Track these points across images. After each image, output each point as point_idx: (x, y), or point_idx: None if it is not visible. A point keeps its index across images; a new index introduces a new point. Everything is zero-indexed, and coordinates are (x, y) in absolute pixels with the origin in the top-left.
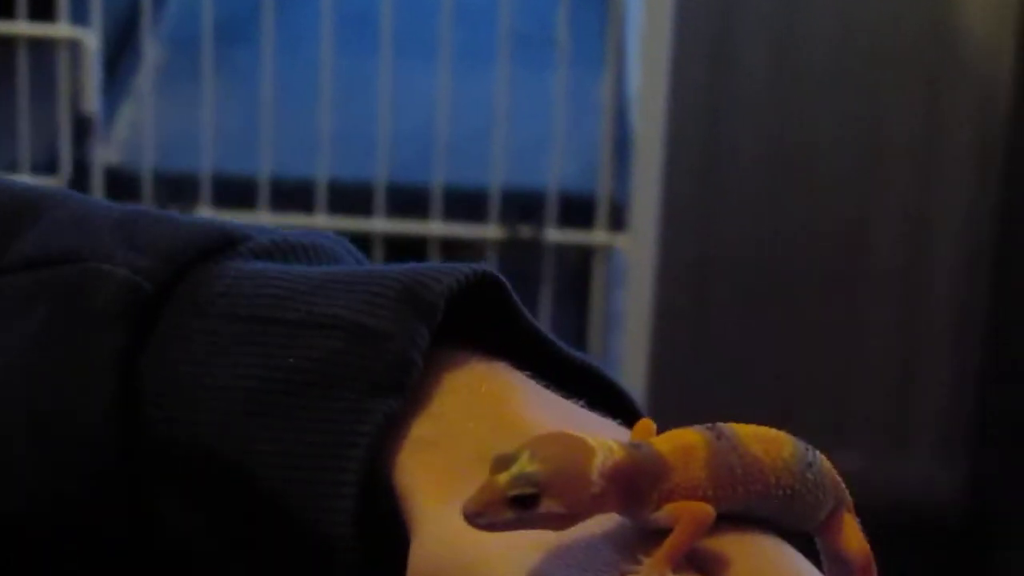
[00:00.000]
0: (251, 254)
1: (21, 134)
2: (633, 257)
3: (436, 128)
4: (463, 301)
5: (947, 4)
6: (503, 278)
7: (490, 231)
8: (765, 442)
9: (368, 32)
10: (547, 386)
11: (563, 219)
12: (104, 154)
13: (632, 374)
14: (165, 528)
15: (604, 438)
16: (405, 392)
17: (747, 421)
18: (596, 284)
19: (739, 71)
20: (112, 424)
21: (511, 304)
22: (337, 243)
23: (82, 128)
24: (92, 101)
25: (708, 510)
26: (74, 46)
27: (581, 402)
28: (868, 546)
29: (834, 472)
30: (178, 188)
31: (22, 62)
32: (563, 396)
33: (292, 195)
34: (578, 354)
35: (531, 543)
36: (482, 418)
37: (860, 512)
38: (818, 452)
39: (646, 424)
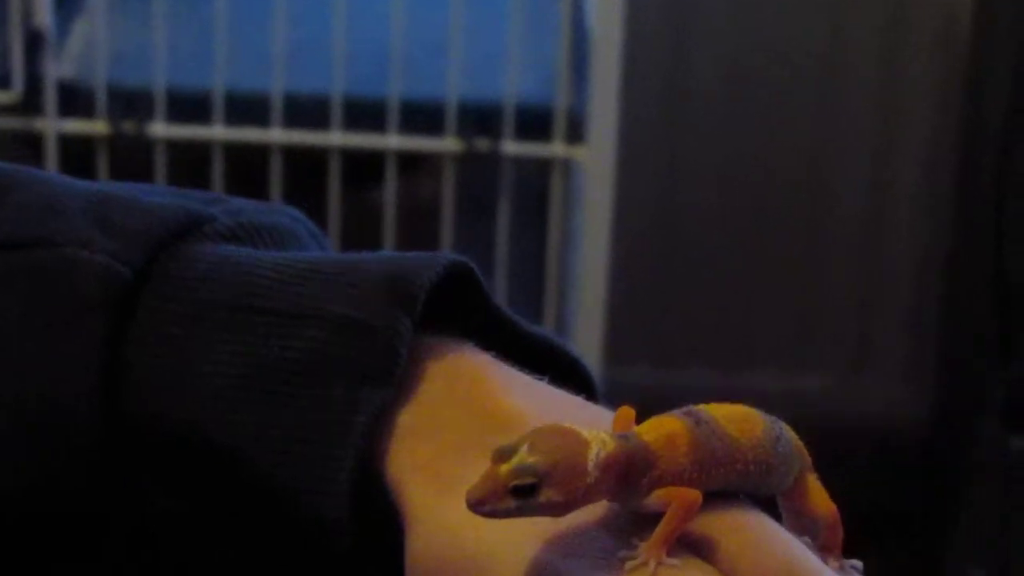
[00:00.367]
0: (218, 236)
1: None
2: (591, 170)
3: (392, 41)
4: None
5: None
6: (473, 265)
7: (447, 144)
8: (739, 422)
9: None
10: (513, 364)
11: (521, 132)
12: (57, 69)
13: (590, 289)
14: (151, 512)
15: (596, 430)
16: (393, 383)
17: (710, 340)
18: (555, 198)
19: None
20: (95, 410)
21: (480, 289)
22: (296, 221)
23: (35, 43)
24: (44, 15)
25: (695, 495)
26: None
27: (545, 378)
28: (834, 504)
29: (797, 439)
30: (132, 103)
31: None
32: (529, 373)
33: (247, 109)
34: (541, 331)
35: (530, 533)
36: (462, 406)
37: (824, 434)
38: (783, 423)
39: (626, 412)
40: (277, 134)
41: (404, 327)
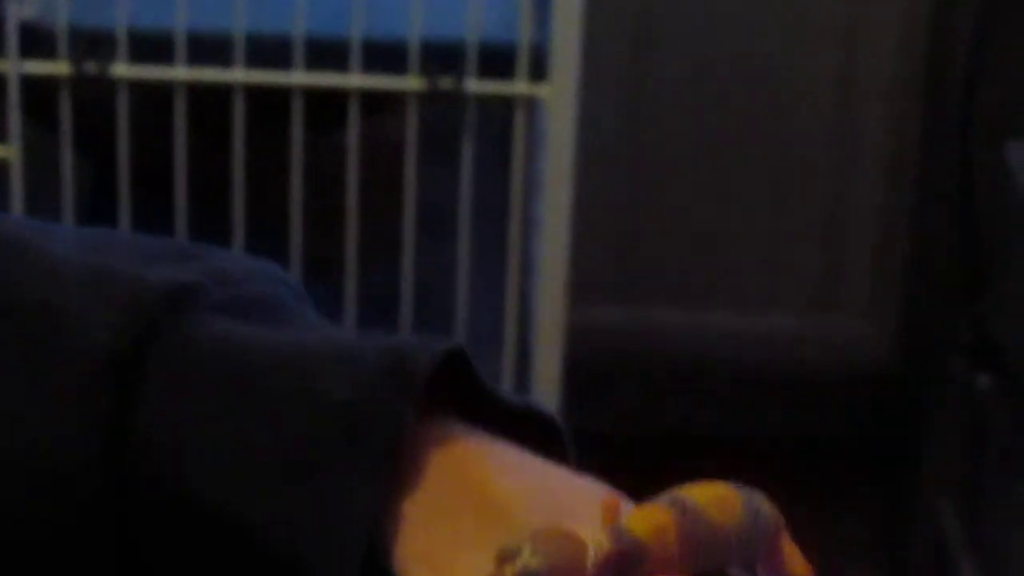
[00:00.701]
0: (214, 310)
1: None
2: (555, 108)
3: None
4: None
5: None
6: (465, 350)
7: (410, 83)
8: (720, 506)
9: None
10: (497, 430)
11: (484, 70)
12: (19, 10)
13: (555, 228)
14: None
15: (590, 529)
16: (397, 472)
17: (676, 280)
18: (518, 137)
19: None
20: (99, 474)
21: (473, 372)
22: (279, 283)
23: None
24: None
25: None
26: None
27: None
28: (808, 564)
29: (771, 507)
30: (94, 43)
31: None
32: (513, 442)
33: (208, 49)
34: (523, 401)
35: None
36: (457, 494)
37: (793, 371)
38: (757, 493)
39: (613, 503)
40: (239, 74)
41: (407, 417)
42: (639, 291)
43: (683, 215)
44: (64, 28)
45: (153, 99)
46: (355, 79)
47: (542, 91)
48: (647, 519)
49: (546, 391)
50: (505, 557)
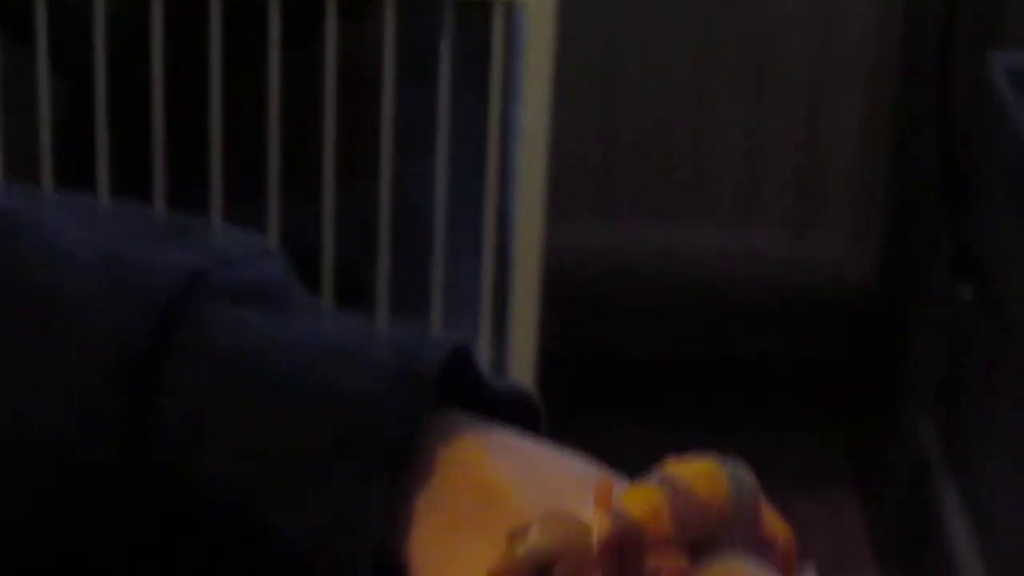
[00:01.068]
0: (224, 296)
1: None
2: (533, 12)
3: None
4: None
5: None
6: (470, 346)
7: None
8: (707, 482)
9: None
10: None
11: None
12: None
13: (533, 140)
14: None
15: (590, 512)
16: (407, 470)
17: (655, 195)
18: (496, 44)
19: None
20: (119, 468)
21: (475, 367)
22: (273, 264)
23: None
24: None
25: (683, 564)
26: None
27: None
28: (788, 528)
29: (750, 476)
30: None
31: None
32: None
33: None
34: (508, 385)
35: None
36: (456, 482)
37: (772, 292)
38: (739, 464)
39: (607, 485)
40: None
41: (418, 415)
42: (615, 208)
43: (660, 132)
44: None
45: (129, 15)
46: None
47: None
48: (642, 500)
49: (524, 308)
50: (514, 538)
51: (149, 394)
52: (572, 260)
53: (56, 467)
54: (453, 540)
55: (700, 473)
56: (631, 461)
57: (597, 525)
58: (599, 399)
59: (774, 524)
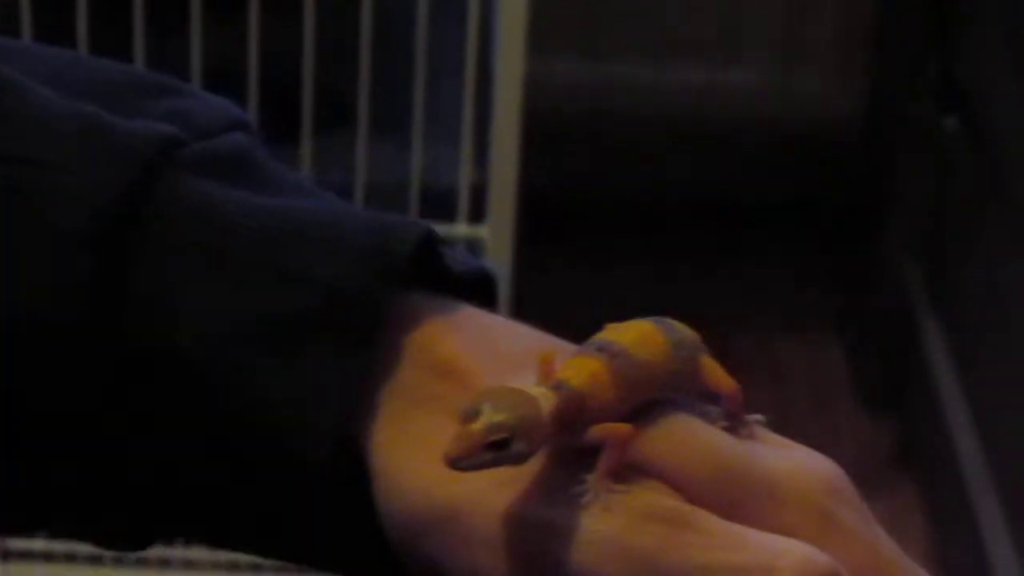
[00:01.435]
0: (194, 167)
1: None
2: None
3: None
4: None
5: None
6: (436, 234)
7: None
8: (644, 344)
9: None
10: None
11: None
12: None
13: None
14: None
15: (535, 386)
16: (372, 352)
17: (638, 31)
18: None
19: None
20: (87, 329)
21: (439, 248)
22: (245, 131)
23: None
24: None
25: (626, 429)
26: None
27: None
28: (730, 378)
29: (689, 331)
30: None
31: None
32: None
33: None
34: (470, 264)
35: (492, 484)
36: (420, 368)
37: (756, 128)
38: (675, 323)
39: (549, 356)
40: None
41: (385, 299)
42: (597, 44)
43: None
44: None
45: None
46: None
47: None
48: (581, 369)
49: (504, 141)
50: (468, 416)
51: (119, 260)
52: (555, 96)
53: (26, 326)
54: (408, 418)
55: (637, 337)
56: (610, 300)
57: (543, 397)
58: (580, 238)
59: (718, 378)
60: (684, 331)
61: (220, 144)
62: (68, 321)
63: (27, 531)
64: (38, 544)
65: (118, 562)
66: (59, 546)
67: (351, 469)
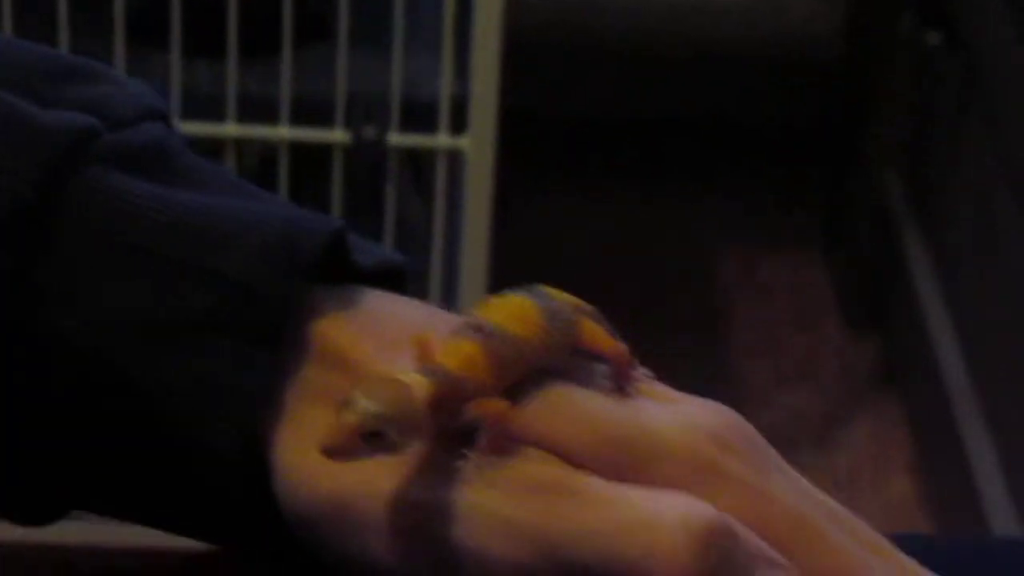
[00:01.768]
0: (109, 159)
1: None
2: None
3: None
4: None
5: None
6: (347, 230)
7: None
8: (518, 319)
9: None
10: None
11: None
12: None
13: None
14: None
15: (411, 373)
16: (278, 350)
17: None
18: None
19: None
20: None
21: (348, 251)
22: (163, 121)
23: None
24: None
25: (503, 406)
26: None
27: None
28: (613, 339)
29: (567, 296)
30: None
31: None
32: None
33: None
34: (379, 259)
35: (381, 472)
36: (320, 363)
37: (739, 46)
38: (549, 291)
39: (424, 340)
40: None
41: (292, 297)
42: None
43: None
44: None
45: None
46: None
47: None
48: (455, 352)
49: (484, 53)
50: (343, 407)
51: (30, 254)
52: (538, 14)
53: None
54: (302, 413)
55: (509, 313)
56: (593, 220)
57: (417, 385)
58: (564, 158)
59: (600, 340)
60: (559, 300)
61: (136, 135)
62: None
63: None
64: None
65: None
66: None
67: (257, 467)
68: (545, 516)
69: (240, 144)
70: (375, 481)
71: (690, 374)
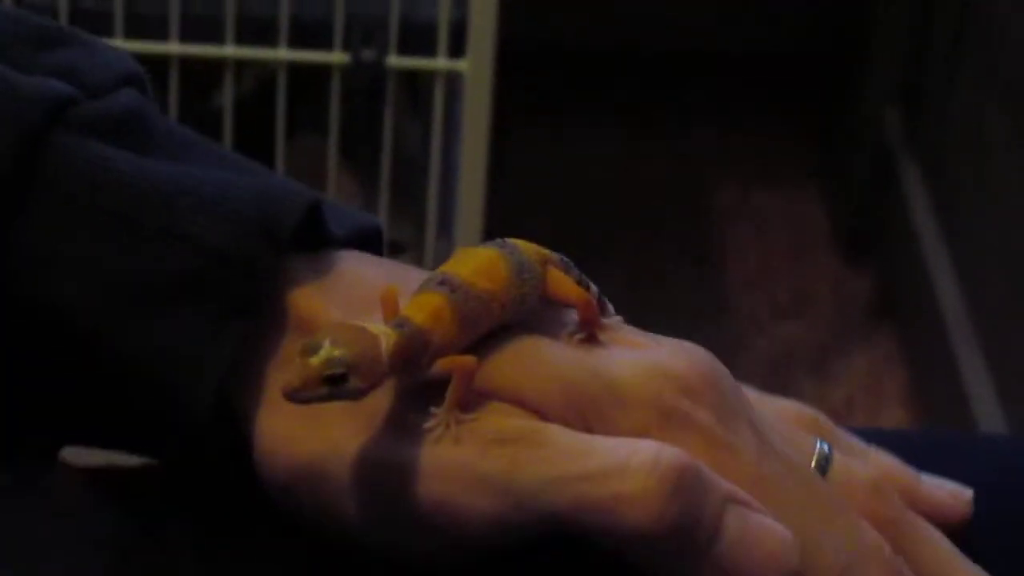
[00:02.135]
0: (84, 126)
1: None
2: None
3: None
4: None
5: None
6: (323, 200)
7: None
8: (485, 273)
9: None
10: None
11: None
12: None
13: None
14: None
15: (378, 325)
16: (250, 317)
17: None
18: None
19: None
20: None
21: (324, 221)
22: (139, 89)
23: None
24: None
25: (471, 361)
26: None
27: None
28: (580, 288)
29: (532, 247)
30: None
31: None
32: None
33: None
34: (355, 220)
35: (350, 434)
36: (290, 329)
37: None
38: (517, 244)
39: (389, 294)
40: (175, 48)
41: (267, 266)
42: None
43: None
44: None
45: None
46: None
47: None
48: (423, 305)
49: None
50: (307, 350)
51: (7, 217)
52: None
53: None
54: (273, 380)
55: (476, 267)
56: (588, 149)
57: (384, 335)
58: (560, 89)
59: (567, 290)
60: (527, 252)
61: (112, 103)
62: None
63: None
64: None
65: None
66: None
67: (229, 430)
68: (513, 467)
69: (239, 66)
70: (346, 444)
71: (686, 306)
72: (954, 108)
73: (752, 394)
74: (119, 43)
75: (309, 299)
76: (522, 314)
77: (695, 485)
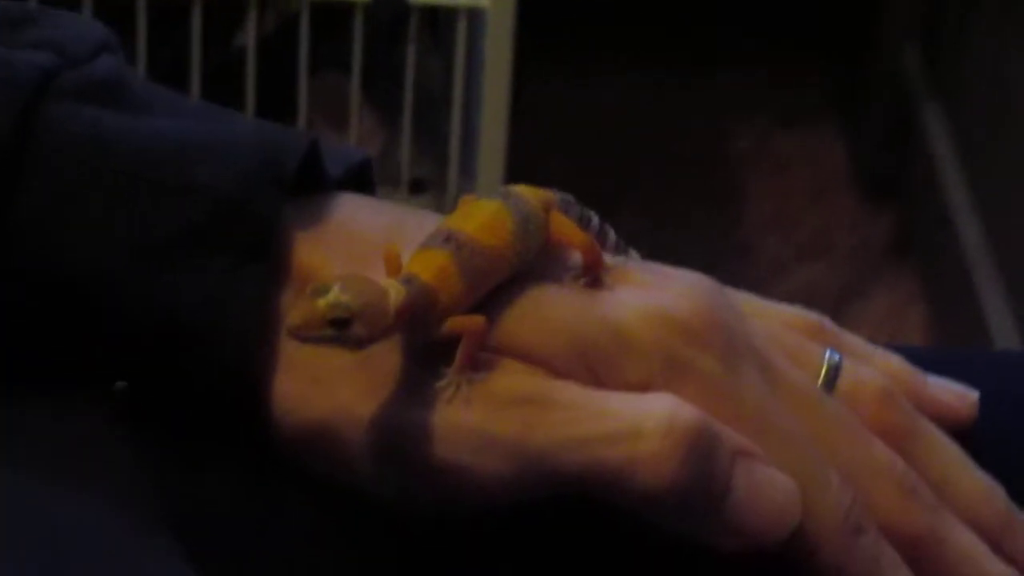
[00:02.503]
0: (73, 93)
1: None
2: None
3: None
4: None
5: None
6: (319, 142)
7: None
8: (490, 228)
9: None
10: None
11: None
12: None
13: None
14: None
15: (387, 280)
16: (269, 259)
17: None
18: None
19: None
20: None
21: (321, 162)
22: (116, 57)
23: None
24: None
25: (479, 320)
26: None
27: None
28: (582, 232)
29: (535, 193)
30: None
31: None
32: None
33: None
34: (347, 155)
35: (360, 395)
36: (292, 288)
37: None
38: (519, 195)
39: (392, 252)
40: None
41: (278, 209)
42: None
43: None
44: None
45: None
46: None
47: None
48: (428, 263)
49: None
50: (316, 292)
51: (7, 190)
52: None
53: None
54: (282, 339)
55: (481, 223)
56: (609, 95)
57: (393, 289)
58: (581, 31)
59: (570, 235)
60: (531, 201)
61: (96, 70)
62: None
63: None
64: None
65: None
66: None
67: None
68: (525, 429)
69: (262, 4)
70: (357, 405)
71: (706, 248)
72: (974, 44)
73: (757, 303)
74: None
75: (312, 252)
76: (527, 264)
77: (708, 446)
